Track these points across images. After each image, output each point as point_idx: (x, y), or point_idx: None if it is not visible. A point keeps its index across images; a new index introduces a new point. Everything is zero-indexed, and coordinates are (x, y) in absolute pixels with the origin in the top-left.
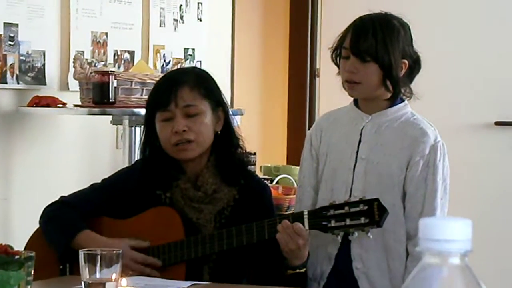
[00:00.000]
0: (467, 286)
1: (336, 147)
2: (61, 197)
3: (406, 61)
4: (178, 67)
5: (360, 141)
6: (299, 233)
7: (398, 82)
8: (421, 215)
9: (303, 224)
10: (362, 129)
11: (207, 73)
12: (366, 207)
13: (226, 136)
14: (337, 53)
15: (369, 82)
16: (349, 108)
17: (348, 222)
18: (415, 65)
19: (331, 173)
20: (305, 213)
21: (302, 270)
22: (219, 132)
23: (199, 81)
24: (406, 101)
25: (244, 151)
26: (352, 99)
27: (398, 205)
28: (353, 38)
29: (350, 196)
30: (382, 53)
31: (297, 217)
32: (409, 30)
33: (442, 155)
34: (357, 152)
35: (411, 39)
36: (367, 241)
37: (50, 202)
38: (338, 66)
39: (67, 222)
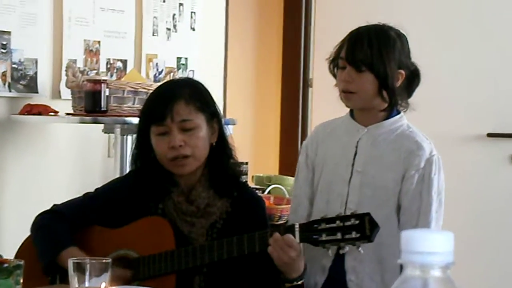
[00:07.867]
0: None
1: (332, 159)
2: (54, 205)
3: (403, 72)
4: (171, 76)
5: (356, 154)
6: (290, 245)
7: (394, 92)
8: (415, 228)
9: (294, 237)
10: (358, 141)
11: (201, 84)
12: (357, 222)
13: (220, 148)
14: (335, 64)
15: (364, 92)
16: (345, 118)
17: (339, 236)
18: (413, 78)
19: (327, 185)
20: (296, 226)
21: (299, 283)
22: (214, 143)
23: (195, 94)
24: (402, 113)
25: (237, 162)
26: (348, 109)
27: (393, 218)
28: (349, 48)
29: (345, 208)
30: (377, 63)
31: (288, 230)
32: (407, 41)
33: (437, 169)
34: (353, 164)
35: (409, 50)
36: (361, 253)
37: (42, 210)
38: (335, 77)
39: (55, 236)
